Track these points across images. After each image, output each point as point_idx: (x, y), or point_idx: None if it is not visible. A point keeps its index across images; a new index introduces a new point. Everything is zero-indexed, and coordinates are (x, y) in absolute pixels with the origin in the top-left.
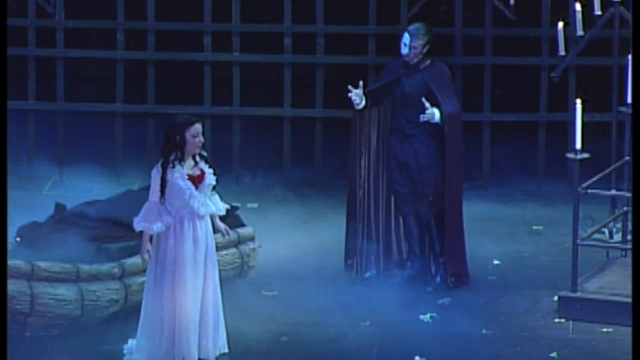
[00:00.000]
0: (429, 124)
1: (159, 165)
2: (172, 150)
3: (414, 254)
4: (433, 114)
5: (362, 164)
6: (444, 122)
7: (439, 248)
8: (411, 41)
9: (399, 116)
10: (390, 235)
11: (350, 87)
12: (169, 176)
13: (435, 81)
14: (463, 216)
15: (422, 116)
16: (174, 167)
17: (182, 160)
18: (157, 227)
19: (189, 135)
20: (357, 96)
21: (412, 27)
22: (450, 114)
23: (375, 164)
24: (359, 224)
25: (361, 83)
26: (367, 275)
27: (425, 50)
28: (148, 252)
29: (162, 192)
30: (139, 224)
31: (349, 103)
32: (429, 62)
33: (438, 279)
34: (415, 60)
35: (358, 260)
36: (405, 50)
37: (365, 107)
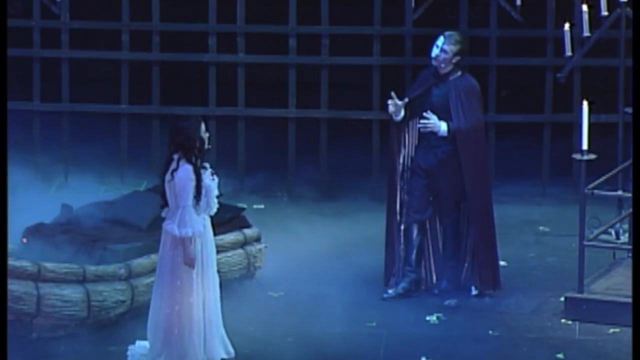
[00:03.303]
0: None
1: (191, 172)
2: (196, 155)
3: (408, 265)
4: (435, 125)
5: (401, 179)
6: (452, 136)
7: (450, 252)
8: (443, 43)
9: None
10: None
11: (393, 96)
12: (203, 179)
13: (459, 94)
14: (495, 235)
15: (420, 123)
16: (204, 169)
17: (202, 160)
18: (201, 230)
19: (202, 134)
20: (393, 106)
21: (448, 32)
22: (460, 129)
23: (410, 176)
24: (397, 241)
25: (393, 94)
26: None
27: (455, 60)
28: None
29: (199, 196)
30: (184, 231)
31: (356, 105)
32: (459, 73)
33: (444, 282)
34: (443, 66)
35: (397, 273)
36: (435, 52)
37: (404, 119)
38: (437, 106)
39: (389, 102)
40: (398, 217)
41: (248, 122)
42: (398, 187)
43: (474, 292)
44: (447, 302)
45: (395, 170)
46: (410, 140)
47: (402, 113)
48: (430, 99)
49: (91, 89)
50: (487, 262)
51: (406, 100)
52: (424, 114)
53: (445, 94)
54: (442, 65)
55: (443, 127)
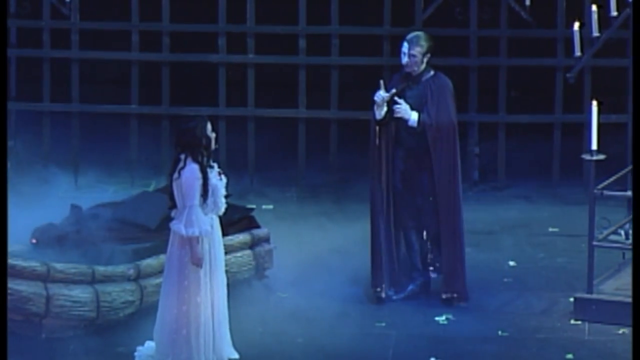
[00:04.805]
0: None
1: (197, 170)
2: (202, 153)
3: (416, 269)
4: (406, 111)
5: (381, 181)
6: (420, 129)
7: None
8: (409, 49)
9: (402, 129)
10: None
11: (381, 86)
12: (210, 179)
13: (432, 92)
14: (462, 232)
15: (395, 106)
16: (212, 168)
17: (209, 159)
18: (208, 230)
19: (208, 133)
20: (380, 97)
21: (410, 36)
22: (431, 125)
23: (392, 179)
24: (384, 243)
25: (382, 82)
26: (393, 295)
27: (425, 60)
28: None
29: (205, 195)
30: (190, 230)
31: (366, 106)
32: (432, 73)
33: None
34: (416, 69)
35: (385, 281)
36: (404, 59)
37: (385, 118)
38: (413, 108)
39: (377, 93)
40: (382, 223)
41: (258, 122)
42: (382, 193)
43: (444, 296)
44: (456, 303)
45: (377, 175)
46: (389, 144)
47: (385, 109)
48: (404, 101)
49: (101, 90)
50: (452, 264)
51: (393, 91)
52: (395, 99)
53: (420, 94)
54: (415, 68)
55: (414, 116)
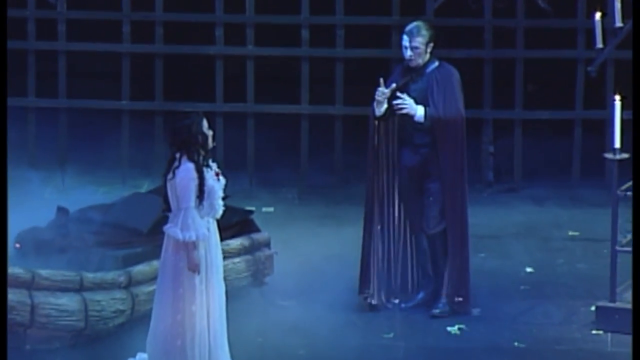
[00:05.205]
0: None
1: (192, 170)
2: (199, 152)
3: (427, 275)
4: (410, 107)
5: (379, 180)
6: (428, 124)
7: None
8: (411, 41)
9: (407, 125)
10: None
11: (381, 83)
12: (206, 179)
13: (438, 83)
14: (468, 234)
15: (397, 101)
16: (209, 168)
17: (206, 158)
18: (205, 234)
19: (205, 130)
20: (381, 94)
21: (409, 27)
22: (439, 118)
23: (392, 179)
24: (379, 247)
25: (382, 80)
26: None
27: (429, 49)
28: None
29: (201, 197)
30: (187, 234)
31: (369, 103)
32: (436, 64)
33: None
34: (420, 61)
35: (374, 288)
36: (407, 53)
37: (385, 114)
38: (417, 102)
39: (378, 90)
40: (377, 225)
41: (257, 119)
42: (379, 194)
43: (442, 300)
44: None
45: (375, 174)
46: (390, 141)
47: (385, 106)
48: (408, 95)
49: (90, 84)
50: (458, 267)
51: (393, 86)
52: (397, 94)
53: (424, 87)
54: (419, 60)
55: (420, 111)
